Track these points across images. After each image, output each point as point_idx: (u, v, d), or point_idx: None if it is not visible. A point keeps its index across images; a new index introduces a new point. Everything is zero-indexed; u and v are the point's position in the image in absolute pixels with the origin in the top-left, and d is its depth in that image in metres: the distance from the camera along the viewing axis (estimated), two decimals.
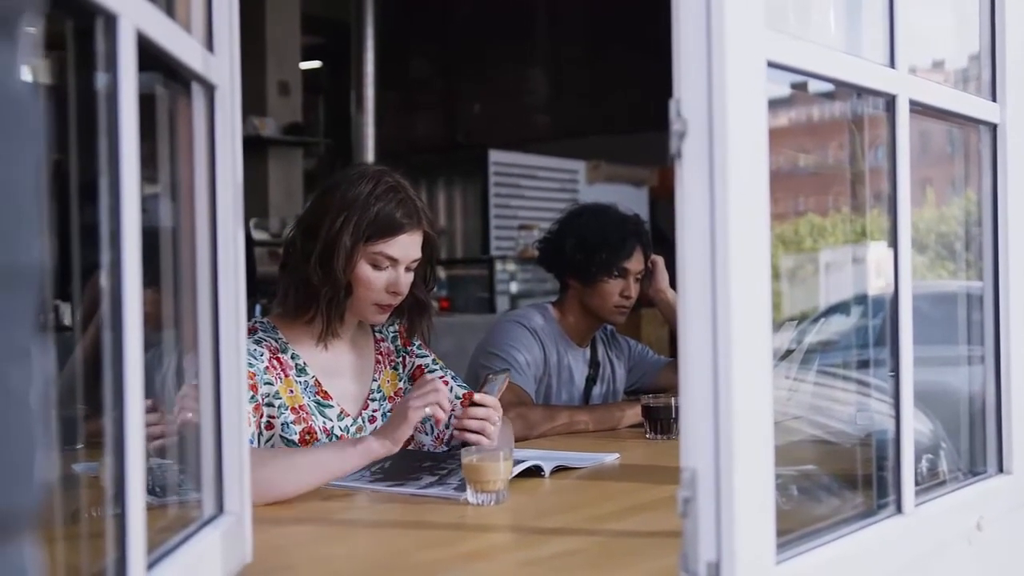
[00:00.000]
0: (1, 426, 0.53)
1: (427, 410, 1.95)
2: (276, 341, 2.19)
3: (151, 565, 1.09)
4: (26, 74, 0.57)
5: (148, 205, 1.10)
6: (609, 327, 3.18)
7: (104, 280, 1.01)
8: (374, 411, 2.29)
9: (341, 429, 2.21)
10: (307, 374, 2.20)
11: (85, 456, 1.32)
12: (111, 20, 1.00)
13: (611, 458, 2.34)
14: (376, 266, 2.17)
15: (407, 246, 2.19)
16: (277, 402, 2.13)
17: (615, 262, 2.96)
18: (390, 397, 2.33)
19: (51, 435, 0.56)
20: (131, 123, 1.02)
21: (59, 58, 1.10)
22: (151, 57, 1.12)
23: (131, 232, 1.02)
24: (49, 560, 0.72)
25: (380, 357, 2.35)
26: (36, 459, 0.55)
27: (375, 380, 2.32)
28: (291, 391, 2.16)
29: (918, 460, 1.62)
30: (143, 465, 1.04)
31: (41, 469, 0.56)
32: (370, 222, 2.14)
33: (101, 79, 1.02)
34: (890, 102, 1.52)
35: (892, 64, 1.51)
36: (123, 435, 1.01)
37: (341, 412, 2.22)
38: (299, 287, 2.18)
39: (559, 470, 2.16)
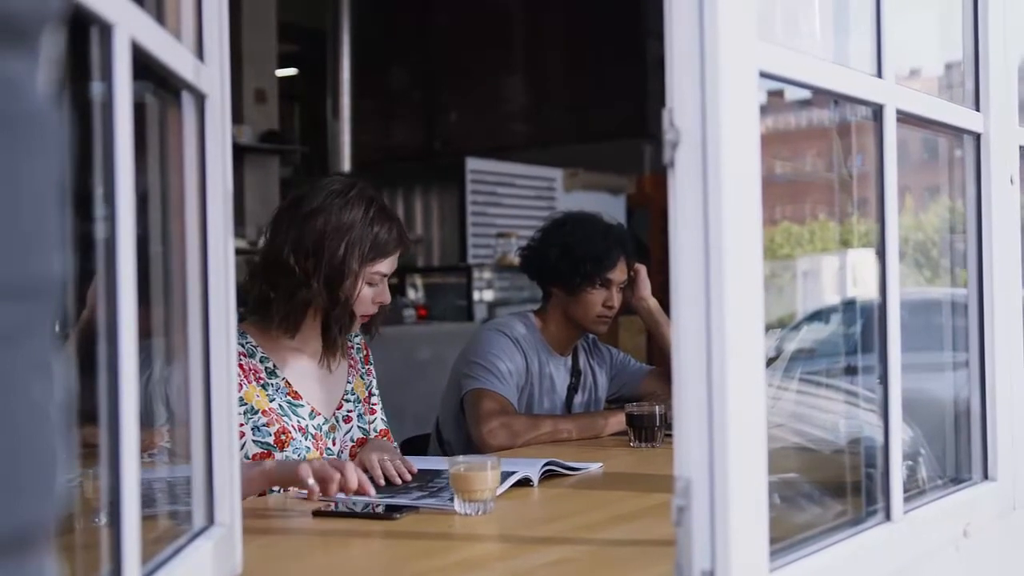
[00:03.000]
0: (24, 439, 0.53)
1: (310, 482, 1.90)
2: (243, 346, 2.22)
3: None
4: (46, 87, 0.57)
5: (137, 214, 1.10)
6: (591, 335, 3.18)
7: (99, 289, 1.00)
8: (348, 411, 2.38)
9: (315, 427, 2.28)
10: (278, 376, 2.26)
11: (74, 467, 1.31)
12: (106, 29, 0.99)
13: (595, 467, 2.34)
14: (370, 284, 2.28)
15: (395, 261, 2.32)
16: (243, 408, 2.17)
17: (599, 273, 2.96)
18: (363, 400, 2.43)
19: (70, 447, 0.56)
20: (126, 132, 1.02)
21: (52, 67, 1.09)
22: (142, 66, 1.11)
23: (126, 241, 1.01)
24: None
25: (352, 362, 2.44)
26: (57, 472, 0.55)
27: (349, 382, 2.40)
28: (258, 395, 2.21)
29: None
30: (138, 476, 1.03)
31: (61, 482, 0.56)
32: (372, 246, 2.25)
33: (95, 88, 1.01)
34: (877, 111, 1.53)
35: (879, 74, 1.52)
36: (118, 446, 1.00)
37: (312, 411, 2.28)
38: (299, 307, 2.24)
39: (548, 476, 2.16)
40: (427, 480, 2.12)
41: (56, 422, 0.55)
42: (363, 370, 2.47)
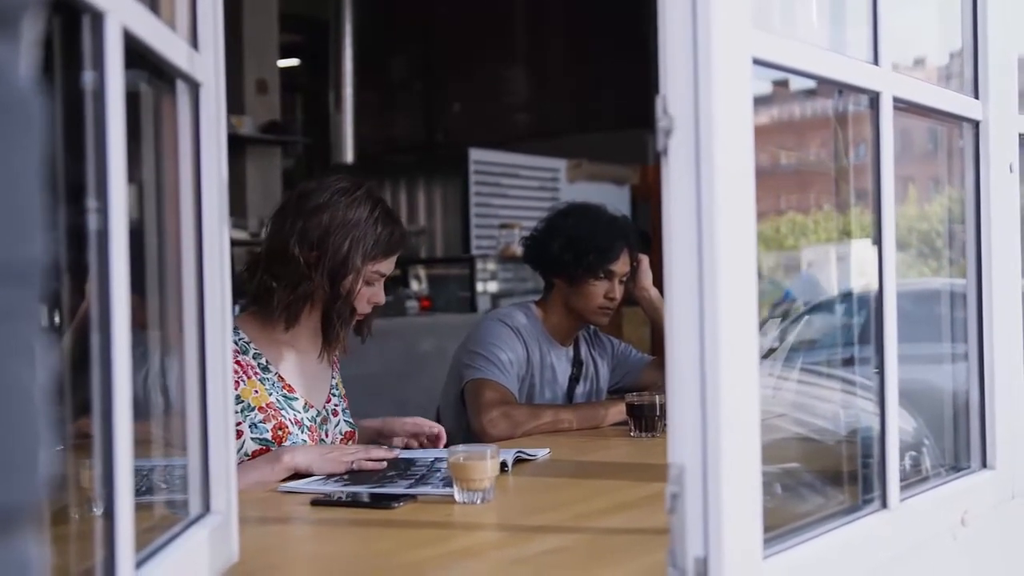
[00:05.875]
0: (8, 421, 0.53)
1: (353, 465, 2.12)
2: (236, 343, 2.23)
3: (139, 564, 1.09)
4: (28, 72, 0.57)
5: (133, 205, 1.10)
6: (592, 326, 3.18)
7: (91, 280, 1.00)
8: (335, 405, 2.43)
9: (309, 420, 2.31)
10: (271, 371, 2.29)
11: (70, 458, 1.31)
12: (98, 17, 0.99)
13: (543, 453, 2.36)
14: (368, 283, 2.31)
15: (393, 262, 2.36)
16: (239, 405, 2.19)
17: (602, 264, 2.96)
18: (344, 396, 2.47)
19: (53, 430, 0.56)
20: (118, 121, 1.02)
21: (44, 55, 1.09)
22: (136, 55, 1.11)
23: (118, 231, 1.01)
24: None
25: (335, 360, 2.47)
26: (40, 454, 0.56)
27: (334, 378, 2.45)
28: (256, 391, 2.24)
29: (902, 457, 1.62)
30: (131, 465, 1.03)
31: (45, 464, 0.56)
32: (375, 244, 2.28)
33: (87, 77, 1.01)
34: (874, 99, 1.52)
35: (876, 61, 1.52)
36: (111, 435, 1.00)
37: (306, 404, 2.32)
38: (300, 299, 2.26)
39: (519, 462, 2.21)
40: (405, 468, 2.13)
41: (40, 404, 0.56)
42: (339, 369, 2.51)
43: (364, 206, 2.28)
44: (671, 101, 1.17)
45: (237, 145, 7.12)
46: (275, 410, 2.24)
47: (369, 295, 2.31)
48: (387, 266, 2.33)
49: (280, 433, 2.22)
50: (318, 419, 2.34)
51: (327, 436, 2.35)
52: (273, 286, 2.25)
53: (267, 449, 2.19)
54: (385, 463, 2.14)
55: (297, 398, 2.30)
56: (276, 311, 2.26)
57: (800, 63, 1.38)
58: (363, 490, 1.95)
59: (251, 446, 2.19)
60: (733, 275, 1.18)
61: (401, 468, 2.14)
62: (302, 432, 2.26)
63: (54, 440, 1.19)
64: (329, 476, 2.08)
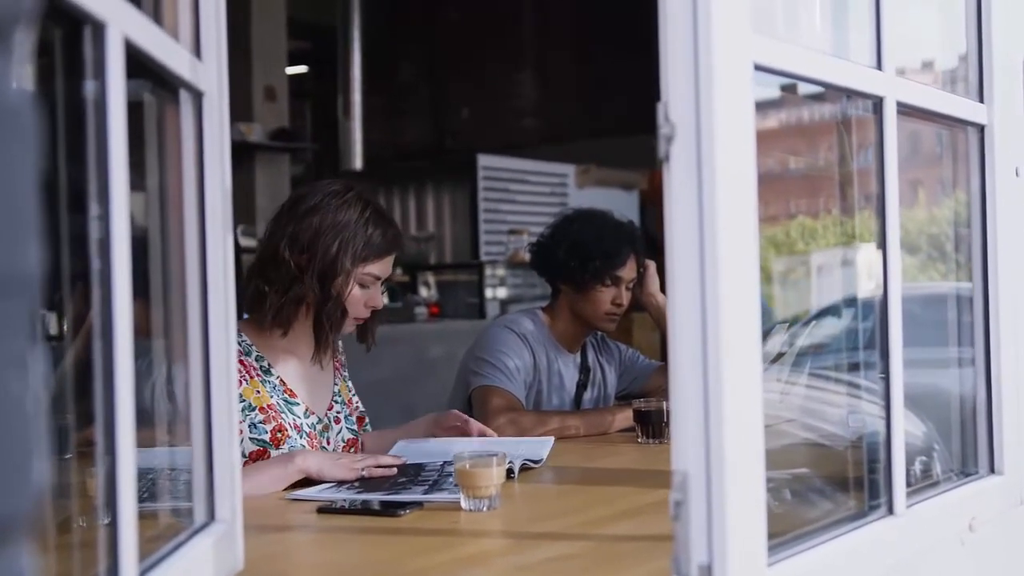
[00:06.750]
0: (1, 432, 0.53)
1: (364, 472, 2.11)
2: (239, 344, 2.23)
3: (143, 573, 1.09)
4: (22, 82, 0.57)
5: (135, 213, 1.10)
6: (599, 332, 3.17)
7: (94, 288, 1.01)
8: (337, 413, 2.42)
9: (309, 426, 2.32)
10: (273, 375, 2.30)
11: (75, 466, 1.31)
12: (99, 28, 0.99)
13: (547, 447, 2.35)
14: (362, 285, 2.30)
15: (389, 265, 2.34)
16: (241, 404, 2.20)
17: (608, 270, 2.95)
18: (347, 402, 2.46)
19: (47, 441, 0.56)
20: (120, 130, 1.02)
21: (46, 65, 1.09)
22: (138, 64, 1.12)
23: (121, 240, 1.02)
24: (41, 569, 0.72)
25: (337, 366, 2.48)
26: (33, 465, 0.56)
27: (336, 385, 2.44)
28: (257, 392, 2.25)
29: (911, 462, 1.62)
30: (134, 475, 1.03)
31: (38, 475, 0.56)
32: (365, 245, 2.27)
33: (89, 86, 1.02)
34: (877, 104, 1.52)
35: (879, 66, 1.52)
36: (114, 444, 1.01)
37: (307, 410, 2.32)
38: (291, 302, 2.26)
39: (525, 469, 2.20)
40: (415, 475, 2.13)
41: (34, 415, 0.56)
42: (344, 374, 2.51)
43: (354, 208, 2.28)
44: (672, 107, 1.18)
45: (246, 152, 7.12)
46: (275, 412, 2.24)
47: (365, 298, 2.30)
48: (380, 268, 2.31)
49: (279, 436, 2.22)
50: (319, 426, 2.34)
51: (328, 444, 2.35)
52: (265, 290, 2.26)
53: (265, 451, 2.19)
54: (395, 470, 2.14)
55: (298, 403, 2.31)
56: (268, 315, 2.26)
57: (802, 68, 1.38)
58: (375, 497, 1.94)
59: (249, 446, 2.20)
60: (735, 281, 1.18)
61: (411, 474, 2.13)
62: (301, 437, 2.26)
63: (58, 449, 1.19)
64: (340, 483, 2.08)
